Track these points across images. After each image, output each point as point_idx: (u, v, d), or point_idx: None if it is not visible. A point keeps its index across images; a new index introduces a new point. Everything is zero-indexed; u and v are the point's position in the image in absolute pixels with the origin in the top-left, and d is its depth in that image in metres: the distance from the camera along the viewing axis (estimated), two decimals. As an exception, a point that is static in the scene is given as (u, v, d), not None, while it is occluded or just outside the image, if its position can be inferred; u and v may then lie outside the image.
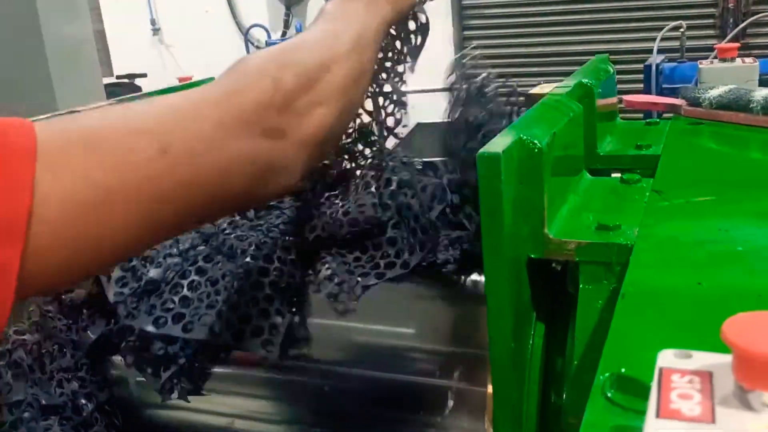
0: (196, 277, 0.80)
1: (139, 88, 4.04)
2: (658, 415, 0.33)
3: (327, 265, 0.81)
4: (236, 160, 0.53)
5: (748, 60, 1.35)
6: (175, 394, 0.82)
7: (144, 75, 4.59)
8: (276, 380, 0.96)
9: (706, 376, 0.35)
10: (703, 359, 0.36)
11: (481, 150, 0.65)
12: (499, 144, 0.67)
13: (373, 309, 0.96)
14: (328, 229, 0.82)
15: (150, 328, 0.77)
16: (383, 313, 0.94)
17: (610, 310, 0.66)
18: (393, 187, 0.85)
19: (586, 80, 0.97)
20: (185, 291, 0.79)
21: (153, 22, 5.62)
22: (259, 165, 0.55)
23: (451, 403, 0.85)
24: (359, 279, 0.80)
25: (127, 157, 0.48)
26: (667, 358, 0.37)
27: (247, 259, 0.80)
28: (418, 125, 4.17)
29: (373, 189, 0.85)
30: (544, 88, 0.99)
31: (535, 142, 0.71)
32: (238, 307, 0.80)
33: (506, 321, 0.69)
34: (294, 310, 0.83)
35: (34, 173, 0.43)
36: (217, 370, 0.95)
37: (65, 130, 0.48)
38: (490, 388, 0.77)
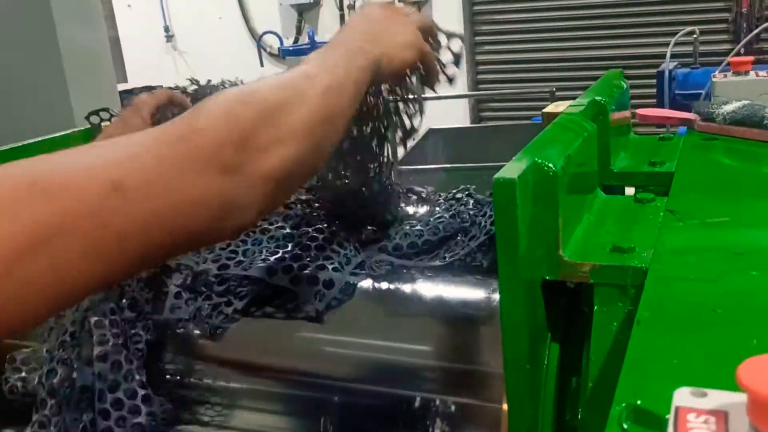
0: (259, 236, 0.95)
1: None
2: (674, 457, 0.33)
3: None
4: (193, 198, 0.53)
5: (762, 73, 1.35)
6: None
7: (160, 87, 4.63)
8: (288, 395, 0.97)
9: (722, 416, 0.36)
10: (718, 398, 0.37)
11: (497, 175, 0.66)
12: (514, 169, 0.67)
13: (387, 325, 0.97)
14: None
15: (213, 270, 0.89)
16: (397, 329, 0.95)
17: (625, 332, 0.67)
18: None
19: (600, 98, 0.98)
20: (249, 245, 0.94)
21: (167, 28, 5.67)
22: (216, 202, 0.54)
23: (464, 421, 0.86)
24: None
25: (79, 196, 0.46)
26: (683, 396, 0.38)
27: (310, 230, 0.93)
28: (431, 131, 4.19)
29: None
30: (558, 107, 0.99)
31: (550, 165, 0.71)
32: (299, 258, 0.90)
33: (521, 343, 0.70)
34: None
35: None
36: (228, 384, 0.97)
37: (12, 172, 0.47)
38: (505, 406, 0.78)
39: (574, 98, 1.04)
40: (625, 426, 0.45)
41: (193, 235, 0.54)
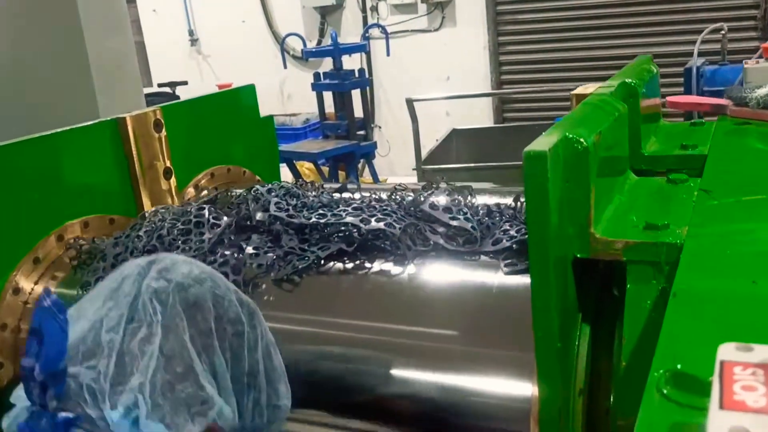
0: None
1: (177, 97, 4.11)
2: (721, 407, 0.32)
3: None
4: None
5: (795, 59, 1.32)
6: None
7: (185, 83, 4.67)
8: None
9: (771, 369, 0.34)
10: (765, 352, 0.36)
11: (527, 148, 0.65)
12: (544, 142, 0.66)
13: (415, 312, 0.96)
14: None
15: None
16: (425, 315, 0.94)
17: (659, 311, 0.65)
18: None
19: (630, 80, 0.96)
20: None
21: (191, 32, 5.71)
22: None
23: (494, 404, 0.85)
24: None
25: None
26: (728, 351, 0.36)
27: None
28: (454, 131, 4.18)
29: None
30: (587, 88, 0.98)
31: (581, 140, 0.70)
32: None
33: (552, 321, 0.69)
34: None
35: None
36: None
37: None
38: (535, 390, 0.76)
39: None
40: (665, 391, 0.44)
41: None
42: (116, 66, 3.07)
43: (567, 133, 0.70)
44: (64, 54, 2.80)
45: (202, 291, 0.72)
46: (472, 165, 3.53)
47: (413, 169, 3.64)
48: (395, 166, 4.96)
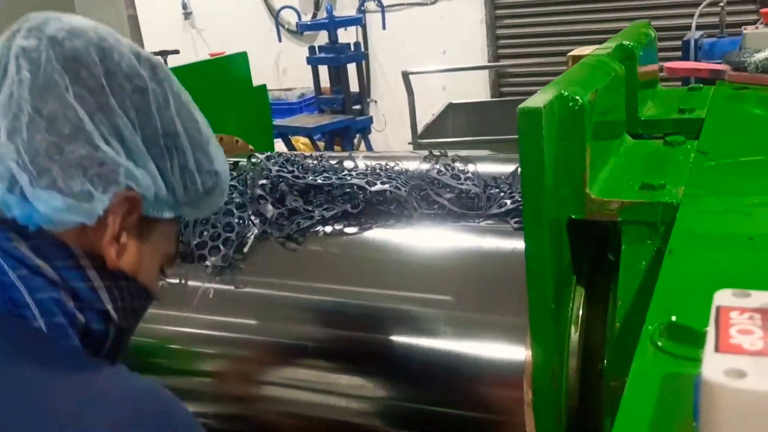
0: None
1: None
2: (717, 350, 0.31)
3: None
4: None
5: (795, 24, 1.30)
6: None
7: (176, 51, 4.59)
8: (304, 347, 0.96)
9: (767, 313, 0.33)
10: (763, 297, 0.35)
11: (522, 105, 0.64)
12: (539, 99, 0.65)
13: (408, 276, 0.95)
14: None
15: None
16: (419, 280, 0.94)
17: (654, 272, 0.64)
18: None
19: (627, 42, 0.95)
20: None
21: (184, 5, 5.64)
22: None
23: (486, 367, 0.84)
24: None
25: None
26: (724, 297, 0.36)
27: None
28: (450, 105, 4.14)
29: None
30: (584, 50, 0.96)
31: (577, 98, 0.69)
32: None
33: (547, 282, 0.68)
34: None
35: None
36: (248, 336, 0.96)
37: None
38: (528, 353, 0.76)
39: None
40: (659, 343, 0.43)
41: None
42: (101, 11, 3.05)
43: (563, 91, 0.69)
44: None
45: (82, 43, 0.62)
46: (469, 139, 3.51)
47: (409, 144, 3.62)
48: (391, 140, 4.93)
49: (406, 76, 3.60)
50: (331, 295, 0.97)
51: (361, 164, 1.18)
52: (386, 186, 1.02)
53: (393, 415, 0.91)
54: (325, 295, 0.97)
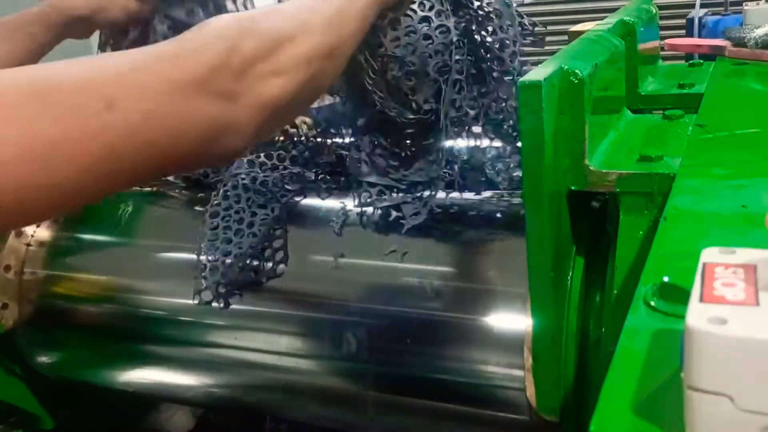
0: None
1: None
2: (701, 300, 0.33)
3: None
4: (187, 119, 0.53)
5: (796, 1, 1.31)
6: None
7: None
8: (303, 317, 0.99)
9: (751, 268, 0.35)
10: (747, 254, 0.37)
11: (522, 78, 0.65)
12: (540, 73, 0.67)
13: (409, 247, 0.97)
14: None
15: None
16: (419, 251, 0.96)
17: (651, 241, 0.66)
18: None
19: (628, 18, 0.96)
20: None
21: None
22: (210, 126, 0.55)
23: (487, 337, 0.87)
24: None
25: (72, 112, 0.47)
26: (711, 254, 0.38)
27: None
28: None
29: None
30: (585, 26, 0.97)
31: (577, 72, 0.70)
32: None
33: (546, 250, 0.70)
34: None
35: None
36: (244, 307, 0.99)
37: (15, 80, 0.48)
38: (528, 321, 0.78)
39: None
40: (652, 303, 0.45)
41: (183, 156, 0.54)
42: None
43: (563, 65, 0.70)
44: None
45: None
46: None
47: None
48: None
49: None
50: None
51: None
52: None
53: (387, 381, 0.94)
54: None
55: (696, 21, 3.11)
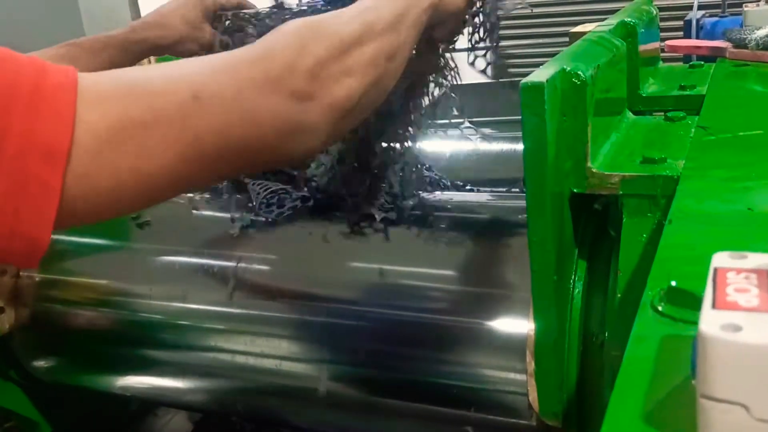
0: None
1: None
2: (714, 307, 0.32)
3: None
4: (264, 114, 0.56)
5: (796, 2, 1.31)
6: None
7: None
8: (313, 322, 0.98)
9: (763, 273, 0.35)
10: (759, 259, 0.36)
11: (524, 80, 0.65)
12: (542, 74, 0.66)
13: (409, 251, 0.96)
14: None
15: None
16: (420, 255, 0.95)
17: (655, 244, 0.65)
18: None
19: (629, 19, 0.95)
20: None
21: (184, -12, 5.64)
22: (286, 123, 0.58)
23: (490, 341, 0.86)
24: None
25: (162, 98, 0.52)
26: (722, 259, 0.37)
27: None
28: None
29: None
30: (586, 27, 0.97)
31: (579, 73, 0.70)
32: None
33: (549, 254, 0.69)
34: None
35: (75, 107, 0.48)
36: (256, 312, 0.98)
37: (109, 75, 0.53)
38: (531, 324, 0.78)
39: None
40: (659, 308, 0.45)
41: (260, 151, 0.58)
42: (107, 17, 3.05)
43: (565, 66, 0.70)
44: (55, 4, 2.77)
45: None
46: (467, 119, 3.50)
47: (410, 125, 3.62)
48: (392, 123, 4.92)
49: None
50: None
51: None
52: None
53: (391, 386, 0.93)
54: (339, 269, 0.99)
55: (694, 23, 3.11)
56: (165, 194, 0.55)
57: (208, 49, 1.14)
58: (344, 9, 0.69)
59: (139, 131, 0.50)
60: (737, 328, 0.30)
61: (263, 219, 1.02)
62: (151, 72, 0.56)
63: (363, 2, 0.70)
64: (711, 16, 3.32)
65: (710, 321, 0.31)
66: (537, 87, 0.64)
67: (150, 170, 0.51)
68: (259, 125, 0.56)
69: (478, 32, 0.92)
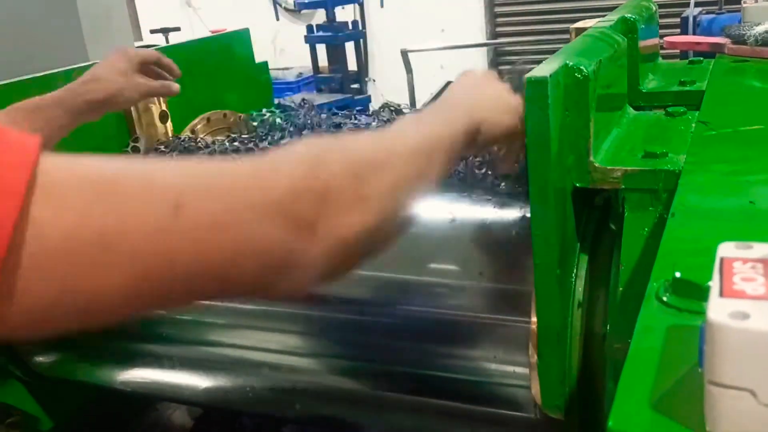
0: None
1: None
2: (721, 295, 0.33)
3: None
4: (255, 243, 0.47)
5: (795, -2, 1.31)
6: None
7: (177, 29, 4.58)
8: (313, 316, 0.98)
9: (769, 263, 0.35)
10: (764, 249, 0.37)
11: (528, 74, 0.65)
12: (545, 69, 0.66)
13: (415, 249, 0.97)
14: None
15: None
16: (425, 251, 0.95)
17: (656, 238, 0.66)
18: None
19: (630, 15, 0.96)
20: None
21: (181, -16, 5.61)
22: (277, 253, 0.48)
23: (493, 335, 0.86)
24: None
25: (137, 207, 0.43)
26: (728, 249, 0.37)
27: None
28: (448, 83, 4.13)
29: None
30: (587, 23, 0.97)
31: (582, 68, 0.70)
32: None
33: (552, 248, 0.70)
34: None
35: (18, 212, 0.37)
36: (255, 307, 0.98)
37: (75, 168, 0.42)
38: (534, 318, 0.78)
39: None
40: (664, 298, 0.45)
41: (241, 281, 0.48)
42: (105, 15, 3.04)
43: (567, 62, 0.70)
44: (54, 5, 2.76)
45: None
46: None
47: (408, 122, 3.63)
48: (389, 120, 4.92)
49: (405, 54, 3.60)
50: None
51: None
52: None
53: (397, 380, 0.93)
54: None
55: (690, 19, 3.12)
56: (112, 317, 0.45)
57: (145, 96, 1.17)
58: (366, 132, 0.62)
59: (102, 243, 0.40)
60: (745, 316, 0.31)
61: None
62: (134, 169, 0.45)
63: (393, 126, 0.62)
64: (707, 13, 3.33)
65: (718, 309, 0.32)
66: (540, 81, 0.64)
67: (104, 289, 0.42)
68: (246, 252, 0.46)
69: None
